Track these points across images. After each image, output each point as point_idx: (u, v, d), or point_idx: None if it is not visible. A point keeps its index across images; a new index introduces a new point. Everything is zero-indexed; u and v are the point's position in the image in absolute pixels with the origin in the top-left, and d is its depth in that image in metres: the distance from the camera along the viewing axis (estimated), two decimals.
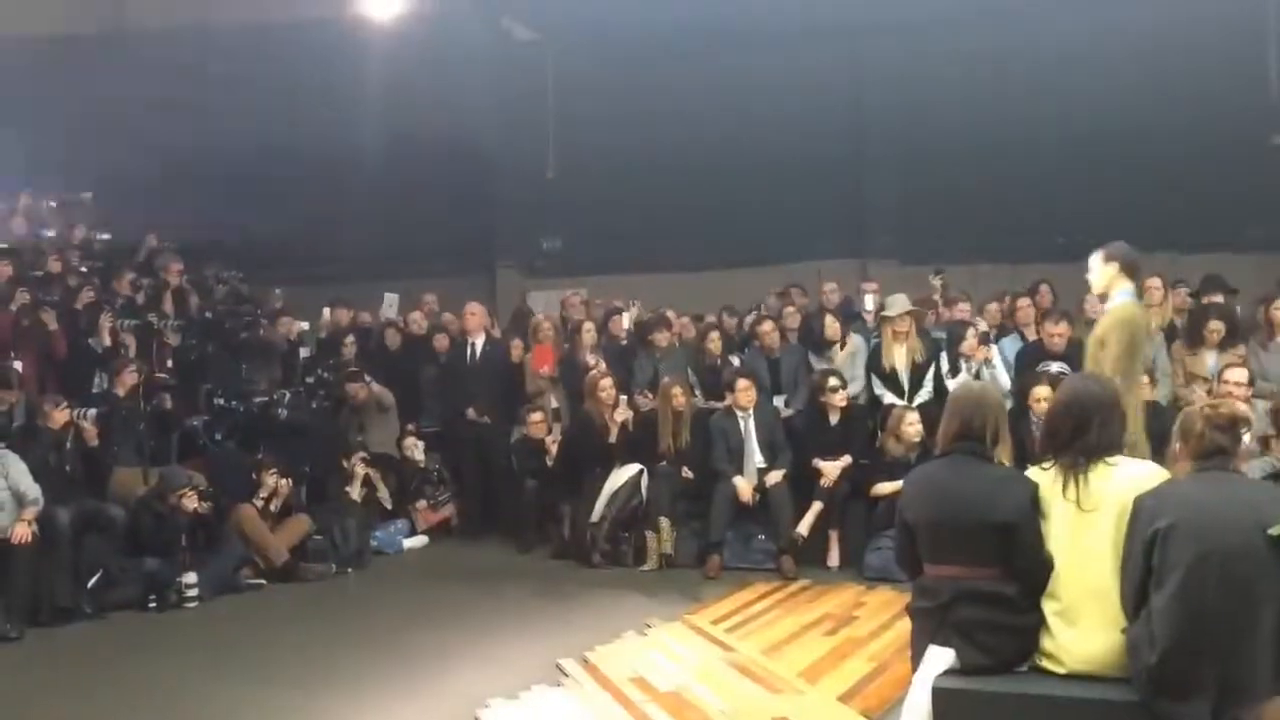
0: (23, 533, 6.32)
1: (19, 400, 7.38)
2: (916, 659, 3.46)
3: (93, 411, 7.11)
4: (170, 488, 7.11)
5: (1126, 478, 3.27)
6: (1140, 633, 3.03)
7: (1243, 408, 3.73)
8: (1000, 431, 3.57)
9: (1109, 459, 3.30)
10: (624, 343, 9.31)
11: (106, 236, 9.85)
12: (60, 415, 6.97)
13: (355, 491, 8.37)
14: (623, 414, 8.07)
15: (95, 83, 11.46)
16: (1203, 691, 2.91)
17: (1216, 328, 7.46)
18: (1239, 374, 6.52)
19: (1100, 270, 5.23)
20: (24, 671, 5.67)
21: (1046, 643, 3.28)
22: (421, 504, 8.97)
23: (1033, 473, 3.47)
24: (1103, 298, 5.27)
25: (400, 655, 5.61)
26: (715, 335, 8.71)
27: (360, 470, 8.42)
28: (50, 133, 11.13)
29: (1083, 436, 3.32)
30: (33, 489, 6.47)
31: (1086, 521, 3.26)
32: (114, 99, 11.46)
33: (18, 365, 7.56)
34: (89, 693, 5.20)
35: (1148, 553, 3.03)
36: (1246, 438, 3.58)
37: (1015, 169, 10.64)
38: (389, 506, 8.75)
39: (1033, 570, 3.33)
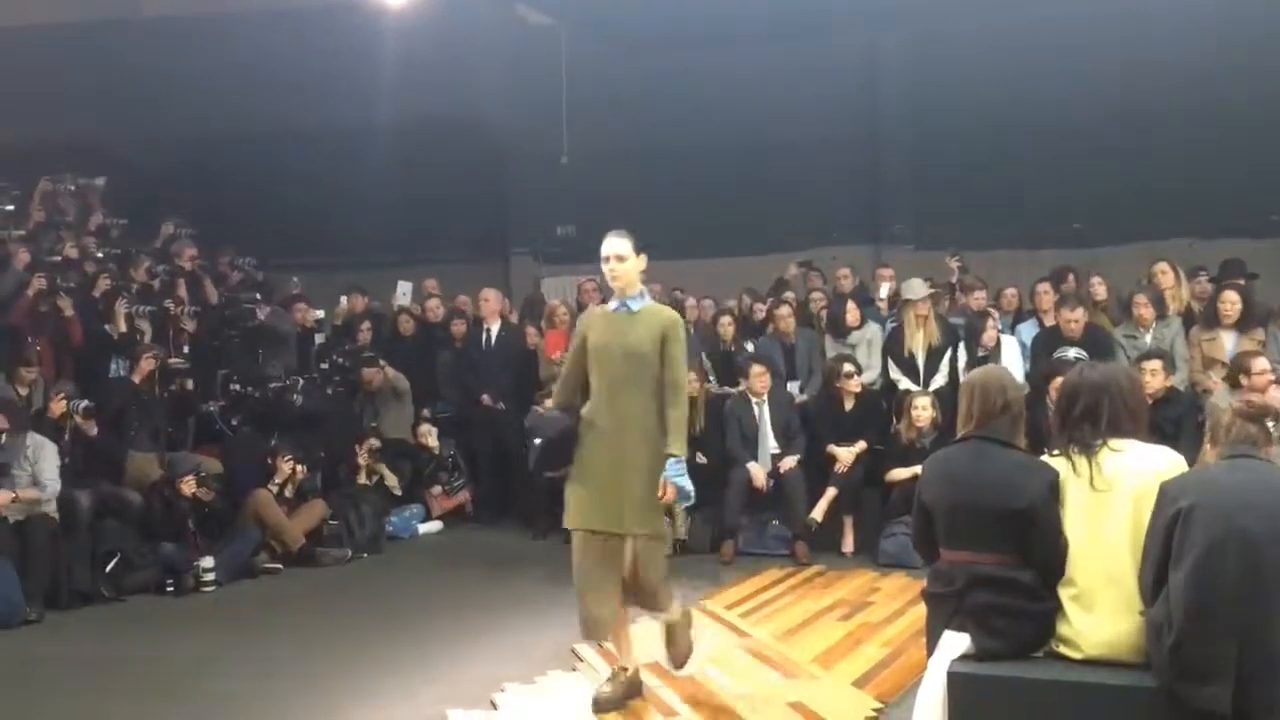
0: (3, 499, 6.32)
1: (37, 379, 7.42)
2: (932, 644, 3.46)
3: (84, 404, 7.08)
4: (177, 473, 7.16)
5: (1140, 461, 3.25)
6: (1160, 614, 3.02)
7: (1271, 389, 3.69)
8: (1022, 413, 3.56)
9: (1114, 443, 3.29)
10: None
11: (124, 222, 9.87)
12: (56, 406, 7.00)
13: (363, 478, 8.40)
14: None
15: (112, 68, 11.48)
16: (1222, 675, 2.90)
17: (1231, 299, 7.39)
18: (1263, 363, 6.48)
19: (634, 261, 4.53)
20: (43, 654, 5.72)
21: (1063, 628, 3.27)
22: (436, 490, 9.00)
23: (1051, 457, 3.46)
24: (624, 288, 4.50)
25: (415, 640, 5.63)
26: (728, 320, 8.69)
27: (363, 461, 8.44)
28: (67, 118, 11.17)
29: (1091, 419, 3.31)
30: (52, 481, 6.49)
31: (1101, 506, 3.24)
32: (130, 84, 11.48)
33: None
34: (107, 676, 5.24)
35: (1168, 534, 3.02)
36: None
37: (1032, 155, 10.57)
38: (398, 494, 8.78)
39: (1050, 558, 3.31)
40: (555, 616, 6.02)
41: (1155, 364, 6.84)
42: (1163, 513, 3.06)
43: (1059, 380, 6.77)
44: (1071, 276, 8.63)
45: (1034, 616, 3.31)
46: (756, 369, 7.81)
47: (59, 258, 8.77)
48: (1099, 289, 8.37)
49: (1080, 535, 3.27)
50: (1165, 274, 8.07)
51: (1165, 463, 3.25)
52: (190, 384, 8.08)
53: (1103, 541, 3.23)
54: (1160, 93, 10.04)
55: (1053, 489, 3.33)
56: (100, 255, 9.03)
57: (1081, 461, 3.29)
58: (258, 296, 9.30)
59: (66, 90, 11.29)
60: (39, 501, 6.42)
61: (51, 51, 11.31)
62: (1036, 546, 3.32)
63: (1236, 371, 6.54)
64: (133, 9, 11.90)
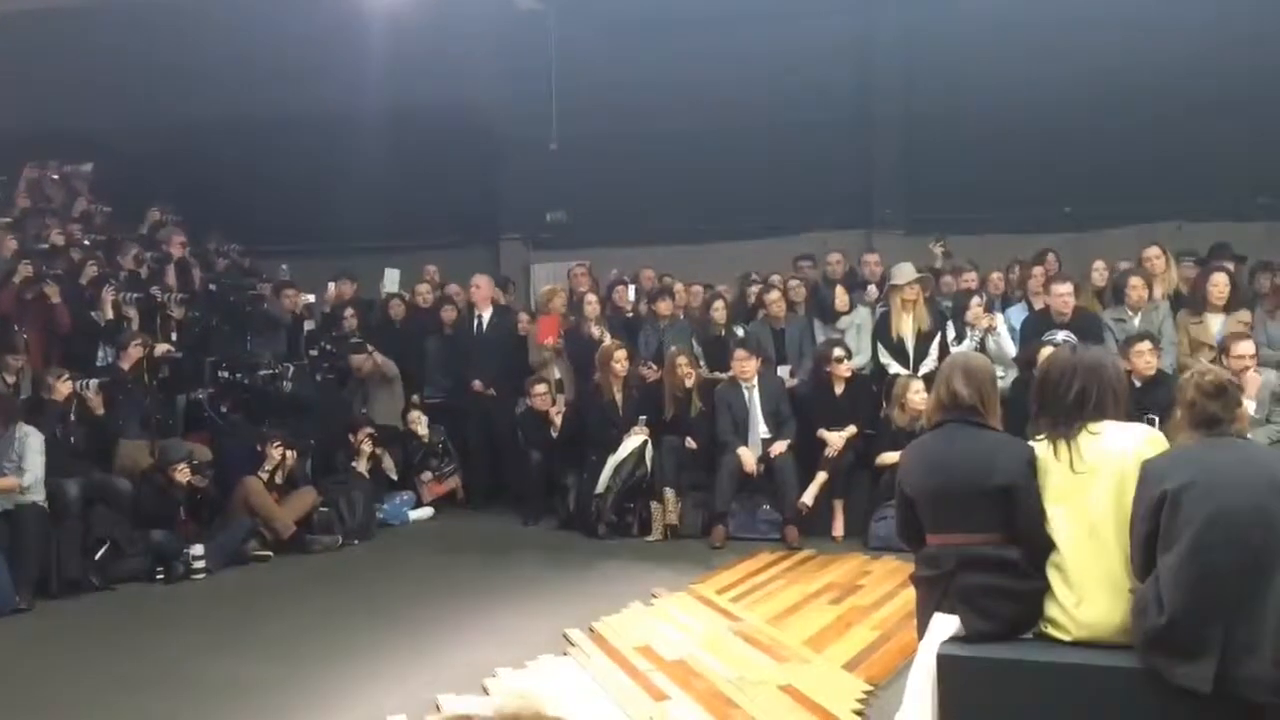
0: None
1: (24, 366, 7.39)
2: (922, 628, 3.47)
3: (95, 382, 7.12)
4: (168, 461, 7.14)
5: (1120, 441, 3.26)
6: (1148, 594, 3.03)
7: (1247, 373, 3.68)
8: (989, 398, 3.56)
9: (1092, 426, 3.29)
10: (629, 314, 9.30)
11: (108, 209, 9.81)
12: (64, 387, 6.97)
13: (362, 465, 8.39)
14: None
15: (97, 53, 11.40)
16: (1208, 653, 2.91)
17: (1219, 281, 7.42)
18: (1247, 346, 6.51)
19: None
20: (33, 643, 5.71)
21: (1051, 610, 3.28)
22: (427, 476, 8.99)
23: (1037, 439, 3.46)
24: None
25: (407, 626, 5.63)
26: (720, 305, 8.69)
27: (367, 447, 8.42)
28: (52, 104, 11.08)
29: (1080, 402, 3.30)
30: (34, 470, 6.43)
31: (1083, 489, 3.25)
32: (116, 70, 11.40)
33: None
34: (97, 664, 5.24)
35: (1155, 514, 3.03)
36: (1251, 407, 3.56)
37: (1023, 139, 10.55)
38: (394, 478, 8.78)
39: (1034, 533, 3.33)
40: (546, 601, 6.04)
41: (1145, 346, 6.86)
42: (1147, 493, 3.07)
43: (1043, 353, 6.84)
44: (1051, 256, 8.62)
45: (1022, 596, 3.32)
46: (739, 354, 7.83)
47: (45, 245, 8.72)
48: (1099, 275, 8.35)
49: (1064, 519, 3.28)
50: (1156, 259, 8.08)
51: (1144, 442, 3.25)
52: (176, 370, 8.04)
53: (1087, 524, 3.24)
54: (1151, 77, 10.02)
55: (1030, 465, 3.35)
56: (87, 242, 8.98)
57: (1062, 445, 3.29)
58: (259, 283, 9.27)
59: (51, 76, 11.20)
60: (19, 489, 6.37)
61: (35, 37, 11.21)
62: (1020, 523, 3.34)
63: (1223, 354, 6.57)
64: None
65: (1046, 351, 6.85)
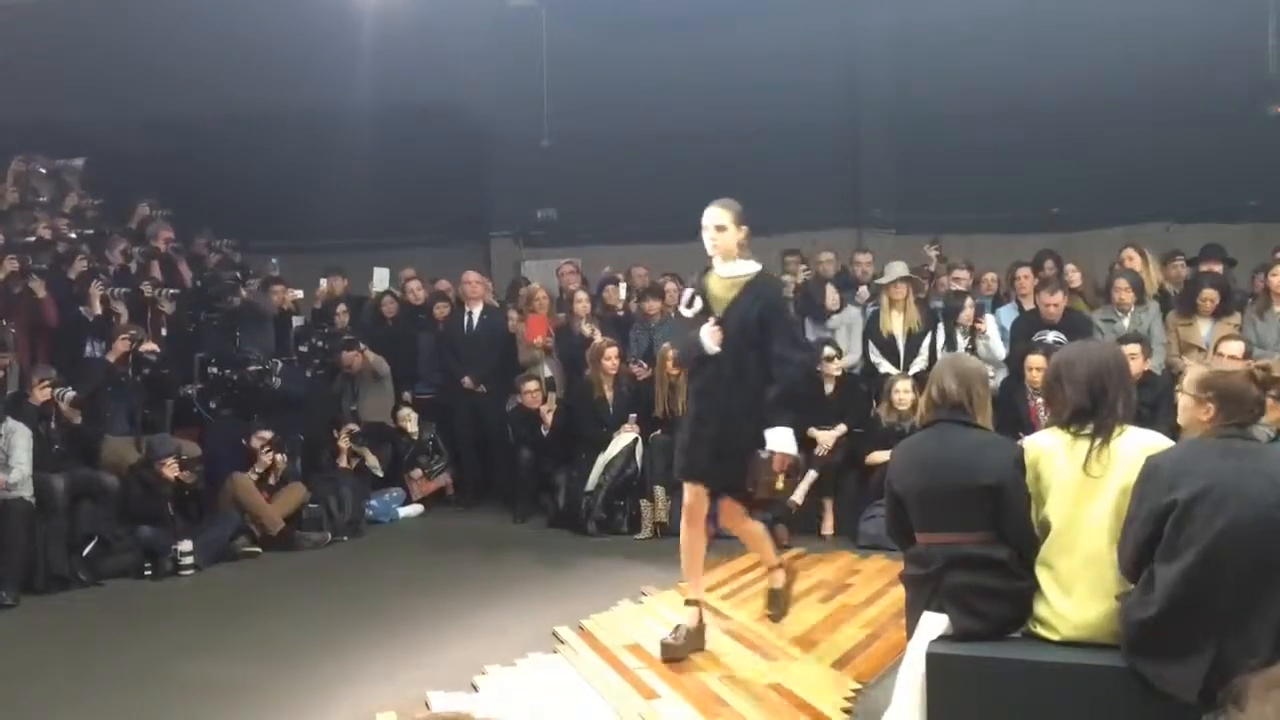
0: None
1: (11, 363, 7.33)
2: (911, 626, 3.48)
3: (71, 393, 6.99)
4: (156, 456, 7.10)
5: (1135, 447, 3.24)
6: (1139, 597, 3.02)
7: None
8: (979, 397, 3.57)
9: (1128, 429, 3.28)
10: (619, 313, 9.29)
11: (98, 203, 9.75)
12: (41, 393, 6.91)
13: (344, 461, 8.36)
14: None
15: (88, 47, 11.33)
16: (1199, 661, 2.91)
17: (1210, 295, 7.47)
18: (1235, 347, 6.53)
19: None
20: (19, 639, 5.68)
21: (1041, 609, 3.29)
22: (416, 473, 8.97)
23: (1039, 437, 3.46)
24: None
25: (396, 624, 5.62)
26: None
27: (344, 444, 8.38)
28: (43, 97, 11.01)
29: (1107, 408, 3.27)
30: (21, 466, 6.37)
31: (1091, 490, 3.24)
32: (107, 64, 11.34)
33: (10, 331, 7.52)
34: (84, 661, 5.21)
35: (1160, 520, 2.99)
36: None
37: (1012, 139, 10.56)
38: (379, 475, 8.75)
39: (1021, 533, 3.34)
40: (535, 599, 6.03)
41: (1134, 348, 6.88)
42: (1153, 496, 3.03)
43: (1032, 357, 6.87)
44: (1051, 261, 8.67)
45: (1011, 596, 3.33)
46: None
47: (33, 239, 8.66)
48: (1074, 276, 8.42)
49: (1064, 517, 3.27)
50: (1132, 259, 8.13)
51: (1153, 449, 3.22)
52: (164, 367, 7.99)
53: (1085, 525, 3.24)
54: (1139, 78, 10.05)
55: (1018, 464, 3.35)
56: (74, 236, 8.91)
57: (1083, 445, 3.26)
58: (238, 275, 9.22)
59: (41, 70, 11.13)
60: (8, 486, 6.33)
61: (25, 30, 11.14)
62: (1008, 522, 3.34)
63: (1214, 355, 6.60)
64: None
65: (1035, 358, 6.90)
